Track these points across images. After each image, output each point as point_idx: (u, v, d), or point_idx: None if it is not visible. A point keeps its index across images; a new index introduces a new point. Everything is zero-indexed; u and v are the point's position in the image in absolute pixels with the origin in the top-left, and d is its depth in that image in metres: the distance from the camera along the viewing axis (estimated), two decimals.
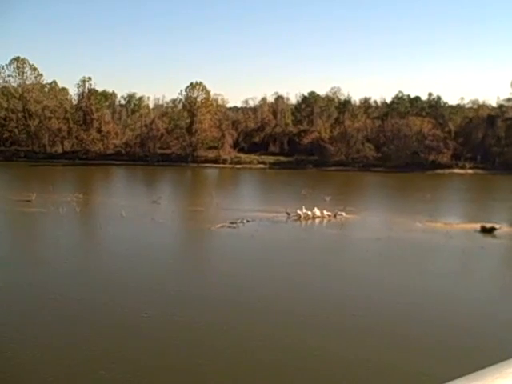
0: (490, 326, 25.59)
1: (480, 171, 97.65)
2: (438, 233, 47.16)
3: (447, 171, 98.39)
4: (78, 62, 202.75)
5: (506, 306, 29.50)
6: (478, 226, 48.20)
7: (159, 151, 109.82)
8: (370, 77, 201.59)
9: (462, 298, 30.25)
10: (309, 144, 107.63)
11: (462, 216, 57.08)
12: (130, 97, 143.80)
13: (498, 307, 28.95)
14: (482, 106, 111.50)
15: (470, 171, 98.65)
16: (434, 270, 35.82)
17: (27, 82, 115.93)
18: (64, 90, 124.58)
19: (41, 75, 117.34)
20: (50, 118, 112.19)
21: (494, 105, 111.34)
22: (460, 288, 32.24)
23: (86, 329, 24.39)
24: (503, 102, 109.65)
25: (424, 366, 20.56)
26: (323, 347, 22.56)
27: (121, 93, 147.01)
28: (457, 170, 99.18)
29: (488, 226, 47.55)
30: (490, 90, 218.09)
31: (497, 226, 47.46)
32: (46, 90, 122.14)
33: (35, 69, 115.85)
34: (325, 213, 53.40)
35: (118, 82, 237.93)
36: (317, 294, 30.29)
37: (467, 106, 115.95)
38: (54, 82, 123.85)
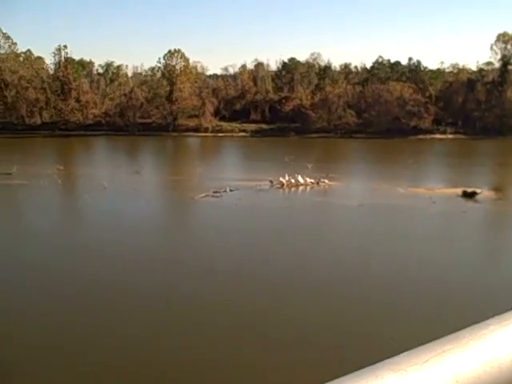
0: (470, 289, 26.08)
1: (461, 136, 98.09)
2: (420, 198, 47.62)
3: (428, 136, 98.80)
4: (52, 31, 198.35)
5: (486, 269, 30.09)
6: (459, 190, 48.74)
7: (139, 121, 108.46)
8: (350, 42, 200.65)
9: (444, 261, 30.60)
10: (290, 111, 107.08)
11: (443, 181, 57.59)
12: (108, 65, 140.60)
13: (479, 270, 29.51)
14: (462, 70, 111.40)
15: (450, 136, 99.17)
16: (417, 235, 36.25)
17: (1, 52, 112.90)
18: (40, 59, 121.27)
19: (15, 44, 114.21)
20: (26, 88, 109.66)
21: (474, 69, 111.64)
22: (443, 252, 32.64)
23: (73, 300, 24.43)
24: (483, 66, 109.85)
25: (404, 331, 20.80)
26: (303, 315, 22.85)
27: (98, 61, 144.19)
28: (438, 135, 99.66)
29: (469, 190, 48.09)
30: (469, 54, 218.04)
31: (478, 191, 47.99)
32: (21, 59, 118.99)
33: (9, 37, 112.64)
34: (308, 180, 53.56)
35: (95, 51, 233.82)
36: (300, 260, 30.50)
37: (447, 71, 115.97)
38: (29, 50, 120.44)
